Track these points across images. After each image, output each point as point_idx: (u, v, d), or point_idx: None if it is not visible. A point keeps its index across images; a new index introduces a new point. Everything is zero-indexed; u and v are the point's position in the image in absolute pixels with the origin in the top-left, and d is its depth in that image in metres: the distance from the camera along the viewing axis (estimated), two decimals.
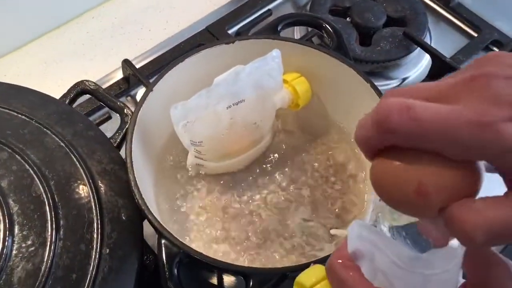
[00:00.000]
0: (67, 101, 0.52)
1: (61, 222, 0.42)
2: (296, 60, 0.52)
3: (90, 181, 0.45)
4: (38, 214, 0.42)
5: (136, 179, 0.43)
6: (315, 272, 0.30)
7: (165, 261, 0.40)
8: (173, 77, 0.50)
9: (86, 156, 0.46)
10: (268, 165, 0.54)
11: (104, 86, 0.61)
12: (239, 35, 0.69)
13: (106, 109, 0.61)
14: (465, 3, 0.74)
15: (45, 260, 0.40)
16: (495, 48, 0.70)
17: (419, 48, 0.68)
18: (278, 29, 0.56)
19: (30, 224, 0.41)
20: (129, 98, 0.66)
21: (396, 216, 0.28)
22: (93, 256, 0.42)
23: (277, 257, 0.48)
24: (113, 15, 0.74)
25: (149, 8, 0.75)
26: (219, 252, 0.48)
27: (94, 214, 0.43)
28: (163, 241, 0.41)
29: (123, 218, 0.44)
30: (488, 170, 0.24)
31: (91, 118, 0.60)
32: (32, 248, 0.40)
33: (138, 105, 0.48)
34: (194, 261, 0.41)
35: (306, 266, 0.33)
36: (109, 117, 0.61)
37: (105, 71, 0.67)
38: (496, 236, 0.22)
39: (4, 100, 0.48)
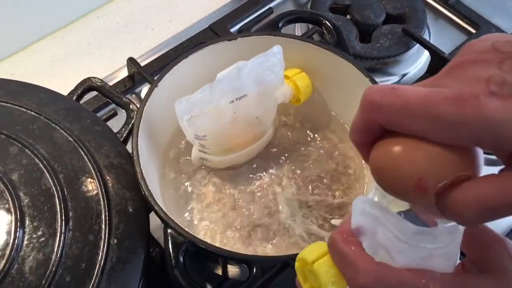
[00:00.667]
0: (74, 98, 0.53)
1: (70, 214, 0.43)
2: (297, 56, 0.53)
3: (98, 174, 0.46)
4: (48, 206, 0.43)
5: (143, 172, 0.45)
6: (317, 248, 0.30)
7: (171, 250, 0.42)
8: (177, 73, 0.51)
9: (94, 150, 0.48)
10: (270, 159, 0.55)
11: (109, 84, 0.62)
12: (241, 32, 0.70)
13: (112, 106, 0.63)
14: (464, 0, 0.75)
15: (55, 250, 0.41)
16: None
17: (418, 45, 0.69)
18: (279, 26, 0.57)
19: (40, 216, 0.43)
20: (133, 95, 0.67)
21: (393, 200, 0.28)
22: (101, 247, 0.43)
23: (279, 248, 0.49)
24: (117, 15, 0.76)
25: (153, 8, 0.77)
26: (223, 242, 0.49)
27: (102, 206, 0.45)
28: (169, 230, 0.42)
29: (130, 210, 0.46)
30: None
31: (97, 115, 0.61)
32: (43, 239, 0.42)
33: (144, 100, 0.49)
34: (200, 250, 0.42)
35: None
36: (115, 114, 0.62)
37: (110, 69, 0.69)
38: (487, 212, 0.23)
39: (14, 97, 0.49)
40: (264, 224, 0.51)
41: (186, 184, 0.53)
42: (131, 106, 0.52)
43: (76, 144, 0.47)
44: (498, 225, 0.56)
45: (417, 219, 0.28)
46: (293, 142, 0.56)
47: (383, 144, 0.26)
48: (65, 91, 0.54)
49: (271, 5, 0.75)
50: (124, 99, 0.53)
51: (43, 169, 0.45)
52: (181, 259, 0.41)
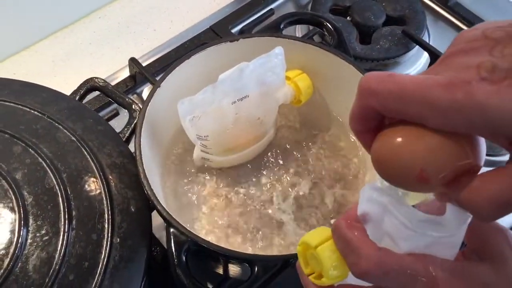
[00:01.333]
0: (77, 98, 0.53)
1: (74, 213, 0.44)
2: (298, 58, 0.54)
3: (101, 174, 0.46)
4: (52, 205, 0.44)
5: (145, 171, 0.45)
6: (320, 232, 0.30)
7: (173, 249, 0.42)
8: (180, 73, 0.52)
9: (97, 150, 0.48)
10: (271, 159, 0.56)
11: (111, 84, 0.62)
12: (242, 33, 0.70)
13: (114, 106, 0.63)
14: (463, 2, 0.76)
15: (58, 248, 0.41)
16: None
17: (417, 46, 0.69)
18: (281, 27, 0.58)
19: (43, 215, 0.43)
20: (135, 95, 0.67)
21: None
22: (104, 245, 0.43)
23: (279, 247, 0.50)
24: (119, 15, 0.76)
25: (154, 8, 0.77)
26: (224, 241, 0.50)
27: (105, 205, 0.45)
28: (171, 230, 0.42)
29: (132, 209, 0.46)
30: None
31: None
32: (46, 238, 0.42)
33: (147, 100, 0.49)
34: (202, 249, 0.43)
35: None
36: (117, 114, 0.62)
37: (111, 70, 0.69)
38: (503, 208, 0.23)
39: (17, 97, 0.50)
40: (265, 223, 0.51)
41: (187, 184, 0.53)
42: (133, 106, 0.53)
43: (79, 144, 0.48)
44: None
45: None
46: (294, 142, 0.57)
47: (384, 135, 0.26)
48: (66, 91, 0.54)
49: (272, 6, 0.75)
50: (127, 99, 0.53)
51: (47, 168, 0.45)
52: (184, 258, 0.42)
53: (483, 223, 0.28)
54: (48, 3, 0.70)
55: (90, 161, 0.47)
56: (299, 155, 0.56)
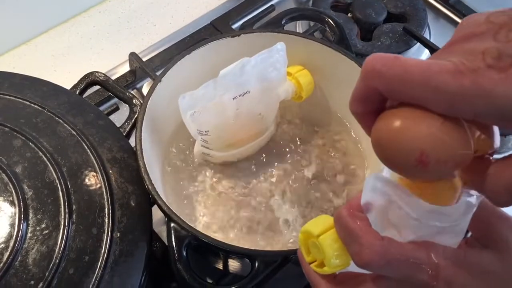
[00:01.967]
0: (77, 92, 0.53)
1: (74, 207, 0.43)
2: (300, 53, 0.54)
3: (101, 168, 0.46)
4: (52, 199, 0.43)
5: (146, 166, 0.45)
6: (322, 221, 0.30)
7: (174, 243, 0.42)
8: (181, 68, 0.51)
9: (97, 144, 0.48)
10: (272, 155, 0.55)
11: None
12: (243, 29, 0.70)
13: (113, 100, 0.63)
14: (464, 0, 0.76)
15: (58, 242, 0.41)
16: None
17: (418, 44, 0.69)
18: (283, 23, 0.58)
19: (44, 209, 0.43)
20: (135, 90, 0.67)
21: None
22: (104, 240, 0.43)
23: (279, 243, 0.50)
24: (119, 10, 0.76)
25: (155, 3, 0.77)
26: (225, 236, 0.49)
27: (105, 199, 0.45)
28: (172, 224, 0.42)
29: (133, 204, 0.46)
30: None
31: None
32: (46, 231, 0.42)
33: (148, 94, 0.49)
34: (202, 244, 0.43)
35: None
36: (117, 108, 0.62)
37: (111, 64, 0.69)
38: None
39: (18, 91, 0.50)
40: (265, 219, 0.51)
41: (188, 178, 0.53)
42: (134, 100, 0.53)
43: (79, 138, 0.48)
44: None
45: None
46: (294, 138, 0.57)
47: (386, 116, 0.26)
48: (66, 85, 0.54)
49: (273, 2, 0.75)
50: (127, 93, 0.53)
51: (47, 162, 0.45)
52: (184, 252, 0.42)
53: (488, 212, 0.28)
54: None
55: (91, 155, 0.47)
56: (299, 151, 0.56)
